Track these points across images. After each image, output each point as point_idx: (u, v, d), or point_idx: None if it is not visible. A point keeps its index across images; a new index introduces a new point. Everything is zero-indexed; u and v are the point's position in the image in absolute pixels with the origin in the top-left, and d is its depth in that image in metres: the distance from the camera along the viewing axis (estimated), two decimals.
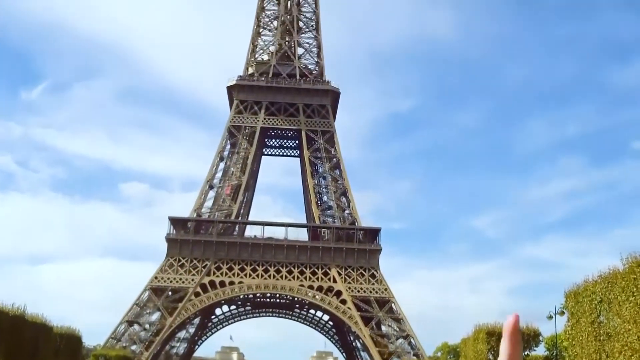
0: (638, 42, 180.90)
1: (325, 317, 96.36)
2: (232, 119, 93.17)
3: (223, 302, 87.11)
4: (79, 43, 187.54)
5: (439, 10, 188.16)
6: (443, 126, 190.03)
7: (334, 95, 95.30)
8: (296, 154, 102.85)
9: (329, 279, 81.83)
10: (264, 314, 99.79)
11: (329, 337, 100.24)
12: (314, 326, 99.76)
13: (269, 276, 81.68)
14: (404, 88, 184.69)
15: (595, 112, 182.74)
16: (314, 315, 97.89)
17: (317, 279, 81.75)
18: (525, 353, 31.76)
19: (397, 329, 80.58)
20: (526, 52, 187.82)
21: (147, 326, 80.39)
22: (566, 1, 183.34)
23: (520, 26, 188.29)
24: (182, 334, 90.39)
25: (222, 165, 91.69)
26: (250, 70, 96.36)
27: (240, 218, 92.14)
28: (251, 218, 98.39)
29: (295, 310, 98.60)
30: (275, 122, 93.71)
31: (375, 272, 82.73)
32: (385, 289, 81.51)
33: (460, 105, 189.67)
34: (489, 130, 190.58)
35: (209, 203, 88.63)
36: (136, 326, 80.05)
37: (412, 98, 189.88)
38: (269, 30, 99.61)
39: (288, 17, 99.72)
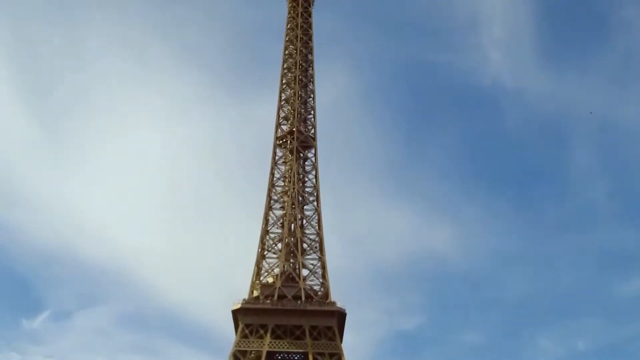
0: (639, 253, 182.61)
1: None
2: (238, 344, 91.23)
3: None
4: (81, 270, 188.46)
5: (438, 227, 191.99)
6: (450, 344, 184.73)
7: (340, 316, 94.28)
8: None
9: None
10: None
11: None
12: None
13: None
14: (408, 305, 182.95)
15: (604, 324, 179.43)
16: None
17: None
18: None
19: None
20: (527, 265, 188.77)
21: None
22: (564, 215, 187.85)
23: (519, 239, 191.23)
24: None
25: None
26: (255, 293, 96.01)
27: None
28: None
29: None
30: (281, 345, 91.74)
31: None
32: None
33: (466, 322, 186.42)
34: (496, 346, 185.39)
35: None
36: None
37: (417, 315, 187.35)
38: (273, 253, 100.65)
39: (292, 239, 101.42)
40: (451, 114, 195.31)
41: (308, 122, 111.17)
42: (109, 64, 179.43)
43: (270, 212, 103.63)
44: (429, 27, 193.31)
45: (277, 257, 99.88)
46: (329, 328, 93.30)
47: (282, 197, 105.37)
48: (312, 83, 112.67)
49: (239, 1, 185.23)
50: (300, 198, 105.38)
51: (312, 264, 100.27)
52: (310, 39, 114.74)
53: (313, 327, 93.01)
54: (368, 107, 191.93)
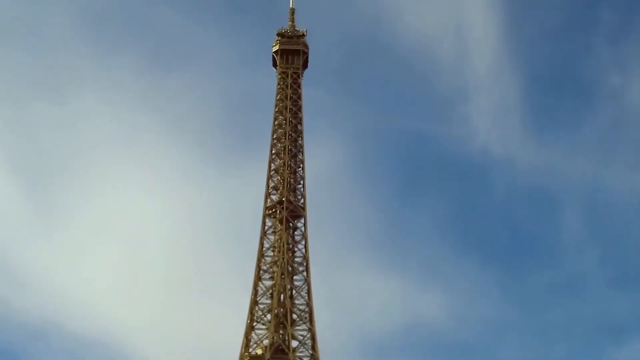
0: (632, 322, 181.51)
1: None
2: None
3: None
4: (68, 344, 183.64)
5: (429, 296, 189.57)
6: None
7: None
8: None
9: None
10: None
11: None
12: None
13: None
14: None
15: None
16: None
17: None
18: None
19: None
20: (519, 334, 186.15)
21: None
22: (555, 283, 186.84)
23: (511, 308, 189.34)
24: None
25: None
26: None
27: None
28: None
29: None
30: None
31: None
32: None
33: None
34: None
35: None
36: None
37: None
38: (263, 324, 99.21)
39: (281, 310, 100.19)
40: (441, 183, 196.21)
41: (298, 191, 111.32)
42: (99, 135, 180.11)
43: (260, 282, 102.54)
44: (417, 98, 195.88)
45: (267, 329, 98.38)
46: None
47: (271, 267, 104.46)
48: (302, 153, 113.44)
49: (228, 73, 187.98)
50: (290, 268, 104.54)
51: (302, 335, 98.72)
52: (299, 109, 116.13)
53: None
54: (358, 176, 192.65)
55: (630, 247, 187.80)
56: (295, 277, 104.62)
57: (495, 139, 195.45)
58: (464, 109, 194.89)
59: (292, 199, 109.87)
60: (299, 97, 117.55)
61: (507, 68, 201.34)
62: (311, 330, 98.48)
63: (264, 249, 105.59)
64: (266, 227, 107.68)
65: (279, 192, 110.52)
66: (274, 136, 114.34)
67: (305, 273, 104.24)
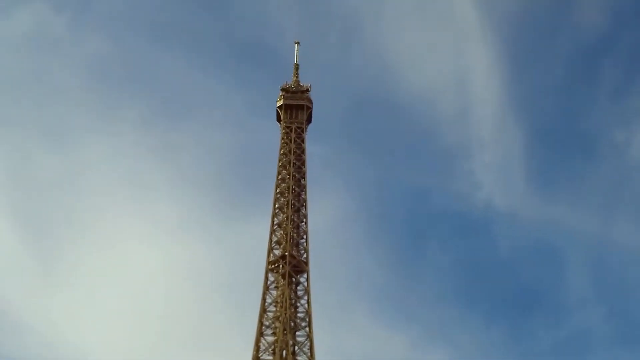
0: None
1: None
2: None
3: None
4: None
5: (433, 352, 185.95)
6: None
7: None
8: None
9: None
10: None
11: None
12: None
13: None
14: None
15: None
16: None
17: None
18: None
19: None
20: None
21: None
22: (560, 340, 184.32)
23: None
24: None
25: None
26: None
27: None
28: None
29: None
30: None
31: None
32: None
33: None
34: None
35: None
36: None
37: None
38: None
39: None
40: (445, 238, 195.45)
41: (301, 246, 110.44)
42: (103, 186, 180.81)
43: (262, 338, 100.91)
44: (420, 152, 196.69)
45: None
46: None
47: (273, 323, 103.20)
48: (305, 207, 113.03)
49: (232, 126, 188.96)
50: (292, 324, 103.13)
51: None
52: (303, 164, 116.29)
53: None
54: (361, 230, 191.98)
55: (636, 303, 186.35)
56: (297, 333, 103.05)
57: (499, 193, 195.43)
58: (467, 164, 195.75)
59: (295, 253, 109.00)
60: (303, 152, 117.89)
61: (509, 122, 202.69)
62: None
63: (266, 304, 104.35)
64: (269, 282, 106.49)
65: (281, 246, 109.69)
66: (277, 190, 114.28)
67: (307, 329, 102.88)
